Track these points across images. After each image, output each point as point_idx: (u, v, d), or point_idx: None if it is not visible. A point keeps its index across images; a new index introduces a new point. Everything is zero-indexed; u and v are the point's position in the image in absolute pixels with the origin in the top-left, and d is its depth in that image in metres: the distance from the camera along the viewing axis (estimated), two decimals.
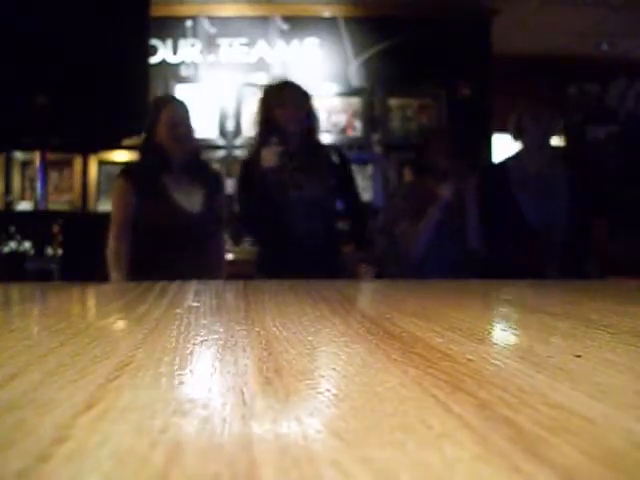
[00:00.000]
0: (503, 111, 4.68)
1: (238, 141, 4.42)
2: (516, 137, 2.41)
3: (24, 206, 4.49)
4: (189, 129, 2.18)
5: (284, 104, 2.20)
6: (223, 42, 4.56)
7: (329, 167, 2.28)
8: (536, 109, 2.36)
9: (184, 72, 4.54)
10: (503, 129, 4.79)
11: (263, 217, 2.24)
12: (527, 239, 2.27)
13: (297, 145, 2.20)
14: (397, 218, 2.32)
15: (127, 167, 2.31)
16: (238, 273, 2.39)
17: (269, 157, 2.15)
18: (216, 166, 4.26)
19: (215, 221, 2.21)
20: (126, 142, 2.69)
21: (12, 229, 3.77)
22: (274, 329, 0.59)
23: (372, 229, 2.47)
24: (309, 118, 2.26)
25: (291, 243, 2.19)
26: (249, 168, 2.28)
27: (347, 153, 4.58)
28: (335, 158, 2.34)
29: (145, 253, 2.11)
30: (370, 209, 4.45)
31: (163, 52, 4.49)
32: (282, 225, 2.21)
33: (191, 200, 2.15)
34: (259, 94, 2.34)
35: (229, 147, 4.48)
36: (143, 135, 2.20)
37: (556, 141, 2.46)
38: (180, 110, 2.18)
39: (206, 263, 2.19)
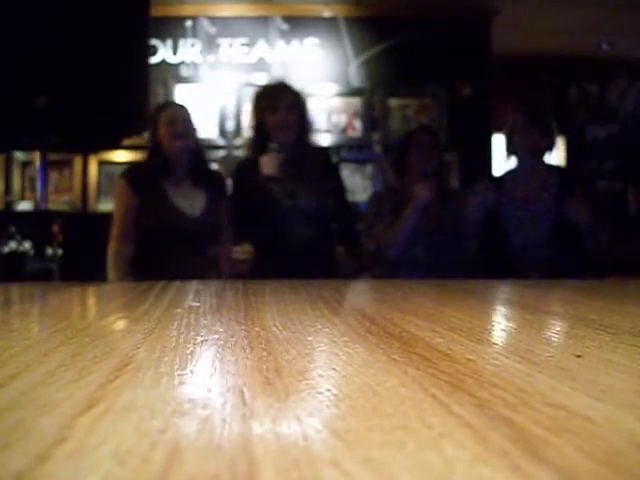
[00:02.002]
0: (503, 111, 4.69)
1: (238, 141, 4.42)
2: (509, 153, 2.39)
3: (24, 206, 4.49)
4: (187, 127, 2.16)
5: (275, 110, 2.15)
6: (223, 42, 4.56)
7: (322, 174, 2.25)
8: (528, 128, 2.31)
9: (184, 72, 4.54)
10: (503, 129, 4.81)
11: (257, 226, 2.22)
12: (508, 256, 2.27)
13: (290, 152, 2.16)
14: (375, 221, 2.30)
15: (129, 168, 2.30)
16: (239, 273, 2.39)
17: (269, 165, 2.11)
18: (216, 166, 4.27)
19: (217, 224, 2.20)
20: (126, 142, 2.69)
21: (12, 229, 3.78)
22: (274, 329, 0.59)
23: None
24: (302, 122, 2.21)
25: (285, 251, 2.16)
26: (242, 175, 2.25)
27: (346, 153, 4.60)
28: (327, 164, 2.32)
29: (145, 256, 2.11)
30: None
31: (163, 52, 4.49)
32: (276, 233, 2.18)
33: (192, 204, 2.15)
34: (252, 97, 2.29)
35: (229, 147, 4.48)
36: (149, 139, 2.20)
37: (552, 152, 2.40)
38: (179, 110, 2.18)
39: (207, 267, 2.19)
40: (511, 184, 2.33)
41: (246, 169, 2.24)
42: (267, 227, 2.19)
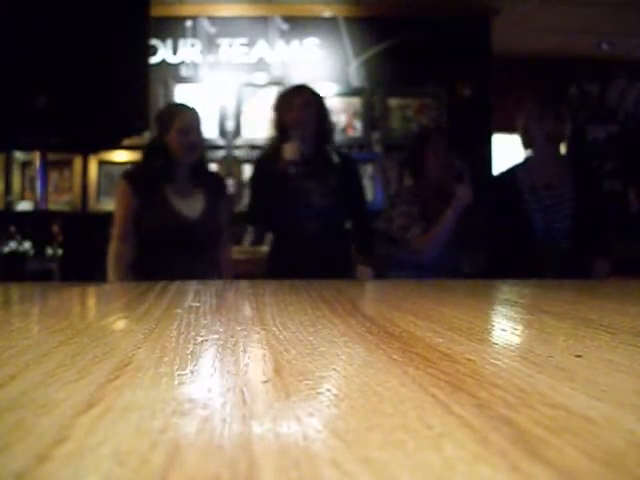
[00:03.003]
0: (503, 111, 4.69)
1: (238, 141, 4.42)
2: (525, 146, 2.39)
3: (24, 206, 4.49)
4: (200, 137, 2.19)
5: (292, 108, 2.24)
6: (223, 42, 4.56)
7: (339, 173, 2.30)
8: (543, 116, 2.31)
9: (184, 72, 4.54)
10: (503, 129, 4.80)
11: (273, 217, 2.27)
12: (530, 247, 2.26)
13: (308, 150, 2.23)
14: (407, 224, 2.25)
15: (130, 169, 2.31)
16: (238, 273, 2.39)
17: (291, 150, 2.17)
18: (216, 166, 4.27)
19: (217, 225, 2.20)
20: (126, 142, 2.69)
21: (12, 229, 3.78)
22: (274, 329, 0.59)
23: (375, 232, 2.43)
24: (320, 121, 2.28)
25: (298, 245, 2.22)
26: (263, 163, 2.32)
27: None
28: (345, 163, 2.36)
29: (144, 257, 2.12)
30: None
31: (163, 52, 4.49)
32: (292, 228, 2.25)
33: (191, 206, 2.15)
34: (274, 99, 2.38)
35: (229, 147, 4.48)
36: (151, 137, 2.20)
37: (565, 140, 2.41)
38: (192, 118, 2.18)
39: (207, 268, 2.19)
40: (528, 173, 2.33)
41: (267, 158, 2.30)
42: (281, 219, 2.23)
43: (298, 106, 2.24)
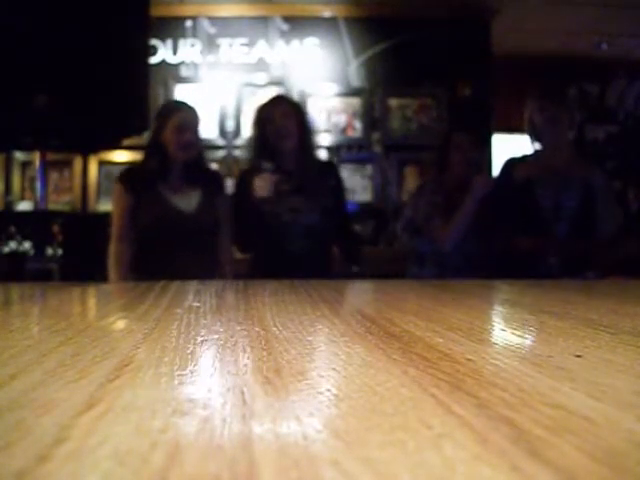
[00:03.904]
0: (503, 111, 4.69)
1: (238, 141, 4.42)
2: (532, 139, 2.40)
3: (24, 206, 4.49)
4: (196, 136, 2.17)
5: (272, 119, 2.16)
6: (223, 42, 4.56)
7: (326, 187, 2.24)
8: (543, 105, 2.33)
9: (184, 72, 4.54)
10: (503, 129, 4.79)
11: (257, 238, 2.22)
12: (539, 229, 2.27)
13: (293, 164, 2.16)
14: (432, 214, 2.32)
15: (125, 170, 2.30)
16: (239, 273, 2.39)
17: (263, 186, 2.10)
18: (216, 166, 4.27)
19: (214, 220, 2.20)
20: (126, 142, 2.69)
21: (12, 229, 3.78)
22: (274, 329, 0.59)
23: (394, 228, 2.47)
24: (302, 132, 2.21)
25: (281, 263, 2.15)
26: (244, 185, 2.25)
27: (346, 153, 4.60)
28: (330, 176, 2.31)
29: (143, 254, 2.12)
30: (373, 209, 4.46)
31: (163, 52, 4.49)
32: (274, 245, 2.18)
33: (187, 201, 2.14)
34: (254, 113, 2.29)
35: (229, 147, 4.48)
36: (149, 136, 2.19)
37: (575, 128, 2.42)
38: (189, 116, 2.17)
39: (207, 266, 2.18)
40: (537, 160, 2.36)
41: (247, 180, 2.23)
42: (266, 238, 2.18)
43: (278, 117, 2.16)
